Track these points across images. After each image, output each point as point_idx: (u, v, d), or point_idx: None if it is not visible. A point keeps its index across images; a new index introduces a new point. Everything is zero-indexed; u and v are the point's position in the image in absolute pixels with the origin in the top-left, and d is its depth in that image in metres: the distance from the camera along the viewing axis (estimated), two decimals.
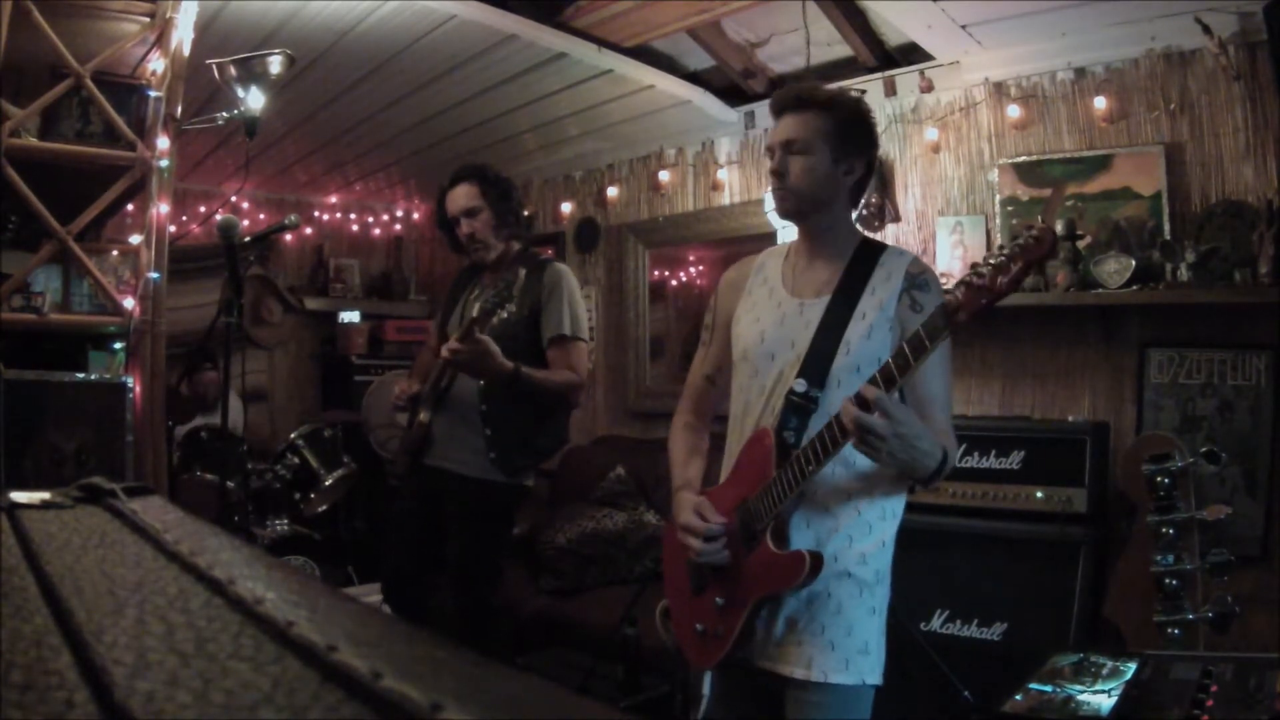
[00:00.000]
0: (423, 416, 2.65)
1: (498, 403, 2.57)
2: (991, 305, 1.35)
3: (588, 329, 2.69)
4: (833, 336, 1.62)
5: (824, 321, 1.63)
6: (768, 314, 1.72)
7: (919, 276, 1.64)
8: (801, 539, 1.61)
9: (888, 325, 1.61)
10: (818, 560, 1.53)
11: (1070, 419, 3.03)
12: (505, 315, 2.42)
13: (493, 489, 2.62)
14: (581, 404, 2.69)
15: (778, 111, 1.70)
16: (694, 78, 3.99)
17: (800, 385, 1.60)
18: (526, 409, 2.59)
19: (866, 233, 1.83)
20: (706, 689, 1.81)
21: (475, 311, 2.40)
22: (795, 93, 1.69)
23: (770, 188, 1.71)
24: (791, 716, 1.60)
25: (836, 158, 1.65)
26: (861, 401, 1.40)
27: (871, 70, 3.57)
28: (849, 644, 1.58)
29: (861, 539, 1.62)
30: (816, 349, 1.62)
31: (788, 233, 3.24)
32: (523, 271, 2.57)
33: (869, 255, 1.69)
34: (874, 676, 1.60)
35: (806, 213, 1.70)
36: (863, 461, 1.60)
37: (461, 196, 2.66)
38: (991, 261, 1.35)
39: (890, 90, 3.55)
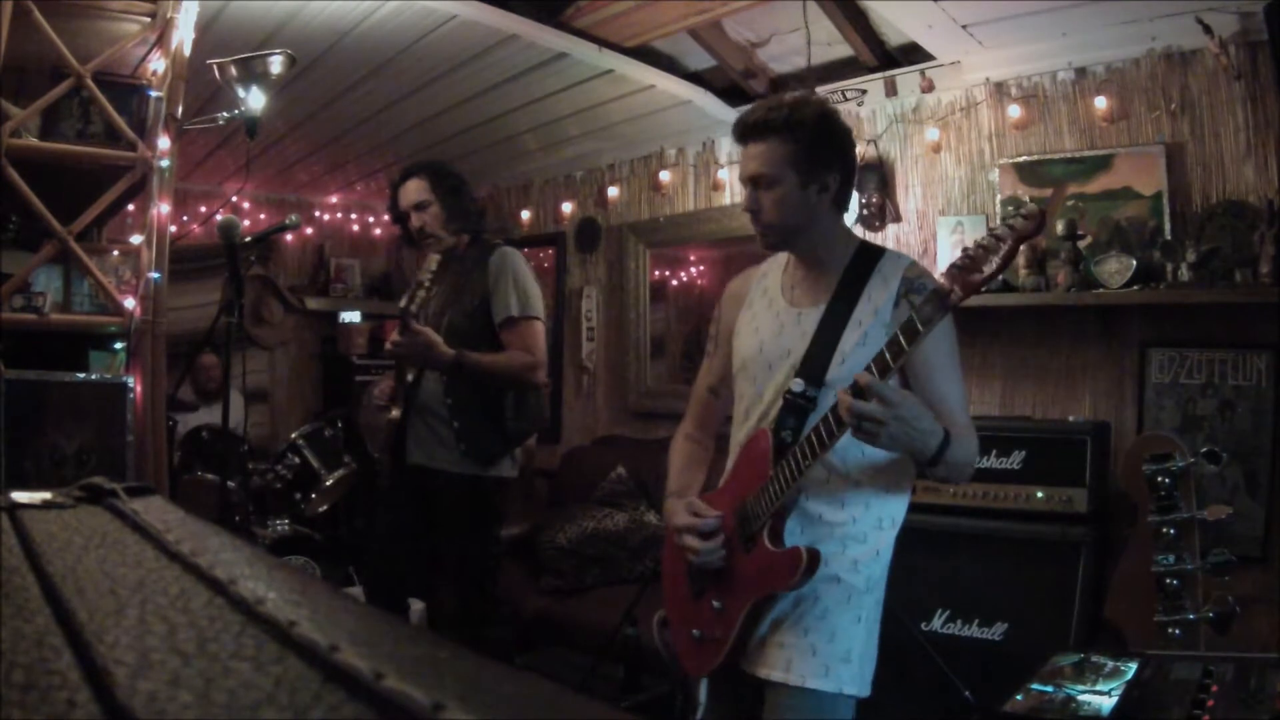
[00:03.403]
0: (394, 414, 2.67)
1: (462, 394, 2.60)
2: (983, 284, 1.36)
3: (541, 307, 2.71)
4: (828, 345, 1.61)
5: (819, 330, 1.63)
6: (766, 324, 1.72)
7: (916, 280, 1.61)
8: (796, 543, 1.60)
9: (883, 331, 1.59)
10: (814, 557, 1.52)
11: (1071, 419, 3.02)
12: (449, 302, 2.52)
13: (470, 482, 2.63)
14: (544, 382, 2.72)
15: (740, 141, 1.67)
16: (695, 78, 3.99)
17: (798, 385, 1.59)
18: (491, 397, 2.63)
19: (866, 231, 1.82)
20: (703, 696, 1.80)
21: (401, 303, 2.49)
22: (754, 119, 1.64)
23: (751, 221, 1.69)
24: (766, 718, 1.59)
25: (805, 182, 1.62)
26: (856, 390, 1.39)
27: (872, 70, 3.57)
28: (830, 650, 1.56)
29: (855, 545, 1.61)
30: (812, 357, 1.62)
31: None
32: (470, 260, 2.65)
33: (866, 261, 1.67)
34: (853, 687, 1.57)
35: (790, 240, 1.69)
36: (858, 469, 1.60)
37: (412, 191, 2.72)
38: (982, 243, 1.36)
39: (891, 90, 3.55)
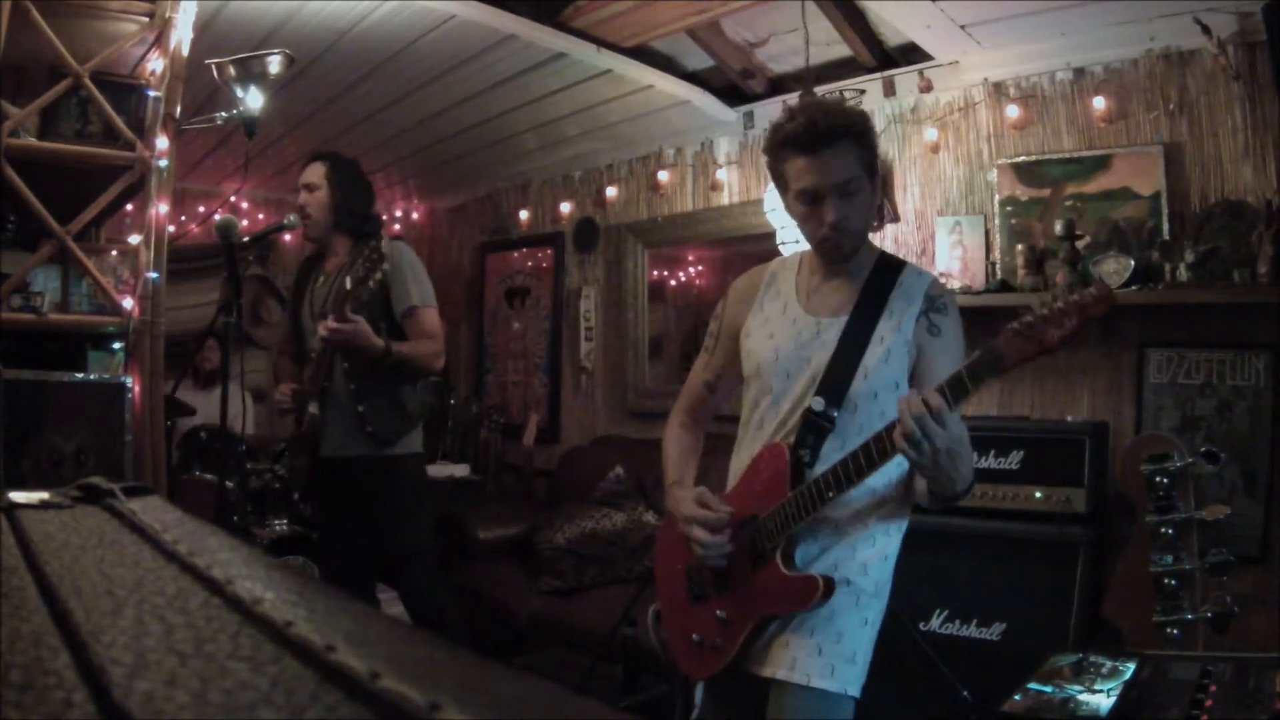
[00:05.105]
0: (313, 409, 2.74)
1: (364, 379, 2.71)
2: (1038, 356, 1.34)
3: (434, 294, 2.86)
4: (850, 360, 1.59)
5: (842, 344, 1.60)
6: (782, 331, 1.69)
7: (938, 299, 1.62)
8: (806, 547, 1.59)
9: (905, 348, 1.59)
10: (830, 585, 1.51)
11: (1069, 419, 3.02)
12: (377, 280, 2.57)
13: (383, 464, 2.75)
14: (443, 367, 2.93)
15: (810, 149, 1.54)
16: (693, 78, 3.99)
17: (819, 404, 1.57)
18: (392, 380, 2.75)
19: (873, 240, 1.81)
20: (699, 697, 1.79)
21: (349, 285, 2.54)
22: (829, 124, 1.54)
23: (821, 236, 1.60)
24: (770, 717, 1.58)
25: (873, 185, 1.61)
26: (926, 406, 1.35)
27: (871, 70, 3.57)
28: (836, 650, 1.56)
29: (865, 548, 1.61)
30: (834, 371, 1.59)
31: (788, 232, 3.24)
32: (377, 243, 2.67)
33: (887, 273, 1.65)
34: (856, 689, 1.57)
35: (859, 248, 1.66)
36: (873, 476, 1.59)
37: (309, 172, 2.83)
38: (1044, 312, 1.32)
39: (889, 90, 3.55)
